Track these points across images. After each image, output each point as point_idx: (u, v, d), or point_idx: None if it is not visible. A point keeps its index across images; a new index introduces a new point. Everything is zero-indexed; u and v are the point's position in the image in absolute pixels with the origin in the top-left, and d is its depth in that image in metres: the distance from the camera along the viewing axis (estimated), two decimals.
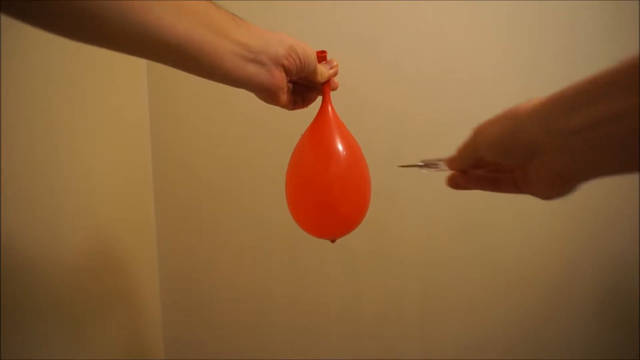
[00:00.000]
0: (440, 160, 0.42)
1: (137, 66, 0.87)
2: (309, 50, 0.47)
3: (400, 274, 0.95)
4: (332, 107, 0.54)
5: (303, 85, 0.54)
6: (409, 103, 0.92)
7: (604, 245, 0.96)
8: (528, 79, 0.92)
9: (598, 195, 0.94)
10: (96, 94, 0.70)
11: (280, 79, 0.45)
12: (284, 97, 0.48)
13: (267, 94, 0.46)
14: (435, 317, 0.97)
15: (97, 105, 0.70)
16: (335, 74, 0.54)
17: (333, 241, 0.56)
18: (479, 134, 0.35)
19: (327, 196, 0.50)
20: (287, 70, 0.45)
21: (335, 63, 0.54)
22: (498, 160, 0.34)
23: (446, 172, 0.42)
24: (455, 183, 0.41)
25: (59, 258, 0.59)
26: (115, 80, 0.78)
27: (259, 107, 0.90)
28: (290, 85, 0.51)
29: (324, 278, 0.95)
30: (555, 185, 0.30)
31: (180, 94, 0.90)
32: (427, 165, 0.44)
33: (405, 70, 0.91)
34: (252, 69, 0.42)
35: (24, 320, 0.52)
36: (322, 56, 0.52)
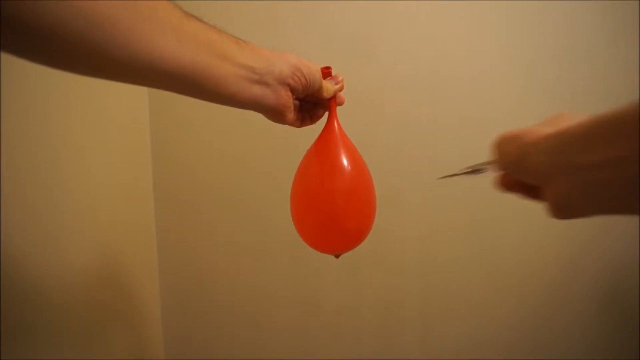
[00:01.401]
0: (488, 163, 0.40)
1: None
2: (314, 68, 0.47)
3: (401, 275, 0.95)
4: (338, 123, 0.54)
5: (310, 102, 0.54)
6: (409, 104, 0.92)
7: (604, 246, 0.96)
8: (527, 80, 0.92)
9: None
10: (96, 96, 0.70)
11: (286, 99, 0.45)
12: (291, 115, 0.48)
13: (274, 113, 0.46)
14: (436, 318, 0.97)
15: (97, 107, 0.70)
16: (340, 89, 0.54)
17: (337, 257, 0.56)
18: (497, 147, 0.35)
19: (332, 211, 0.50)
20: (292, 89, 0.46)
21: (340, 78, 0.54)
22: (515, 177, 0.34)
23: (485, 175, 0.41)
24: (503, 185, 0.39)
25: (59, 259, 0.59)
26: (115, 82, 0.77)
27: None
28: (297, 103, 0.51)
29: (324, 279, 0.95)
30: (561, 209, 0.30)
31: (181, 97, 0.90)
32: (474, 171, 0.43)
33: (404, 71, 0.91)
34: (257, 91, 0.42)
35: (23, 320, 0.52)
36: (326, 72, 0.52)
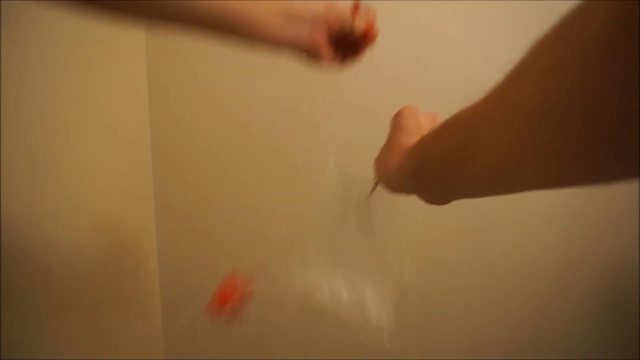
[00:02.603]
0: (376, 182, 0.49)
1: (137, 68, 0.87)
2: (345, 9, 0.47)
3: (400, 275, 0.95)
4: None
5: (350, 42, 0.53)
6: (408, 103, 0.91)
7: (604, 246, 0.96)
8: None
9: (598, 197, 0.94)
10: (96, 96, 0.70)
11: (321, 37, 0.45)
12: (327, 55, 0.48)
13: (310, 54, 0.46)
14: (435, 319, 0.97)
15: (97, 107, 0.70)
16: (370, 26, 0.52)
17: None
18: (374, 168, 0.46)
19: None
20: (326, 30, 0.46)
21: (371, 13, 0.52)
22: None
23: None
24: None
25: (59, 260, 0.59)
26: (115, 82, 0.78)
27: (260, 109, 0.91)
28: (332, 44, 0.50)
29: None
30: (435, 204, 0.38)
31: (181, 96, 0.90)
32: (375, 186, 0.51)
33: (404, 71, 0.91)
34: (291, 31, 0.42)
35: (23, 320, 0.52)
36: (356, 7, 0.51)
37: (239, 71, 0.88)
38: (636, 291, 0.96)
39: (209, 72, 0.88)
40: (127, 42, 0.83)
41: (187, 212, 0.93)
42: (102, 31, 0.71)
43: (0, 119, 0.47)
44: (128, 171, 0.83)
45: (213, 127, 0.91)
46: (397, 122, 0.44)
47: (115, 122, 0.77)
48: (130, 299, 0.82)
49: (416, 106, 0.44)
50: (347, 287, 0.97)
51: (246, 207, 0.93)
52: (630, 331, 0.97)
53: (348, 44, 0.53)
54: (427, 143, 0.33)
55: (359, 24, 0.50)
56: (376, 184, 0.45)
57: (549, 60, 0.19)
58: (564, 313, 0.97)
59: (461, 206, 0.97)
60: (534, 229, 0.95)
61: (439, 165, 0.30)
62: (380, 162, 0.42)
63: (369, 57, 0.90)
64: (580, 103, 0.16)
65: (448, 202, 0.35)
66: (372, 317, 0.97)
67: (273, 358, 0.96)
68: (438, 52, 0.91)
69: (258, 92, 0.88)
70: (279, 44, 0.42)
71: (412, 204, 0.98)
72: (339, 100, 0.90)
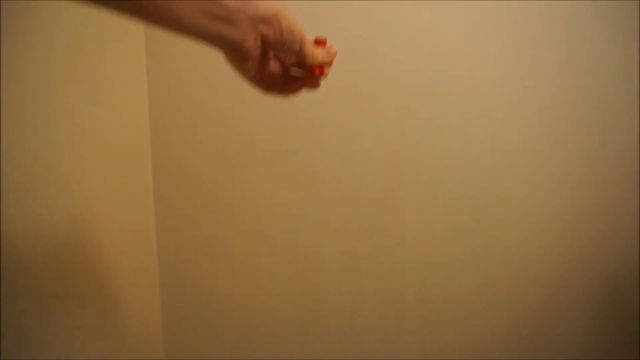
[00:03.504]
0: None
1: (137, 67, 0.87)
2: (296, 27, 0.42)
3: (400, 276, 0.96)
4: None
5: (291, 71, 0.48)
6: (409, 103, 0.92)
7: (604, 246, 0.96)
8: (528, 79, 0.92)
9: (598, 196, 0.94)
10: (95, 95, 0.70)
11: (253, 44, 0.39)
12: (252, 68, 0.42)
13: (236, 55, 0.40)
14: (435, 319, 0.97)
15: (96, 106, 0.70)
16: (329, 61, 0.47)
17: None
18: None
19: None
20: (264, 39, 0.40)
21: (333, 50, 0.47)
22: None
23: None
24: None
25: (59, 260, 0.59)
26: (115, 80, 0.78)
27: (261, 110, 0.91)
28: (277, 67, 0.46)
29: (323, 280, 0.95)
30: None
31: (181, 95, 0.90)
32: None
33: (404, 71, 0.91)
34: (222, 27, 0.37)
35: (22, 320, 0.52)
36: (321, 42, 0.47)
37: None
38: (636, 291, 0.96)
39: (210, 70, 0.88)
40: (127, 41, 0.83)
41: (187, 211, 0.93)
42: (102, 31, 0.71)
43: (0, 119, 0.47)
44: (128, 170, 0.83)
45: (213, 124, 0.91)
46: None
47: (115, 121, 0.77)
48: (130, 299, 0.82)
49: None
50: (347, 287, 0.97)
51: (247, 207, 0.93)
52: (630, 331, 0.97)
53: (289, 75, 0.48)
54: None
55: (316, 52, 0.45)
56: None
57: None
58: (563, 313, 0.97)
59: (461, 205, 0.98)
60: (533, 229, 0.95)
61: None
62: None
63: (369, 58, 0.91)
64: None
65: None
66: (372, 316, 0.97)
67: (273, 358, 0.96)
68: (437, 54, 0.91)
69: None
70: (203, 36, 0.37)
71: (412, 202, 0.99)
72: (339, 99, 0.90)
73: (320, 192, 0.93)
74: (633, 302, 0.96)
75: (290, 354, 0.97)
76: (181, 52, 0.89)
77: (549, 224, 0.95)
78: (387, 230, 0.94)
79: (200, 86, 0.89)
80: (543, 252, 0.96)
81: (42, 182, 0.55)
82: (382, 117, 0.92)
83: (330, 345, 0.97)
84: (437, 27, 0.90)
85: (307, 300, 0.96)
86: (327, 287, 0.95)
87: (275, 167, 0.91)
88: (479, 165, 0.93)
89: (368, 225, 0.93)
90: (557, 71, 0.92)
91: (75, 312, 0.63)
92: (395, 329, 0.97)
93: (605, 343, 0.98)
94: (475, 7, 0.90)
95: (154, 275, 0.93)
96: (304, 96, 0.93)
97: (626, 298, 0.97)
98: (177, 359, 0.96)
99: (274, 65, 0.47)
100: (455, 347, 0.98)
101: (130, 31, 0.83)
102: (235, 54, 0.40)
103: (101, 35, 0.70)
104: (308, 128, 0.91)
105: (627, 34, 0.91)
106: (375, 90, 0.91)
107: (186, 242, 0.94)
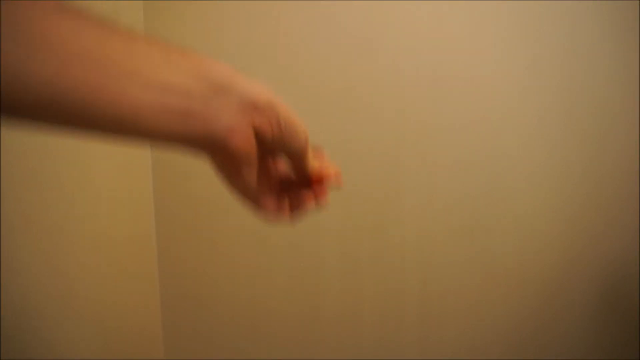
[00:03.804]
0: None
1: None
2: (298, 121, 0.31)
3: (400, 276, 0.95)
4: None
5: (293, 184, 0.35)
6: (409, 104, 0.92)
7: (604, 245, 0.96)
8: (528, 79, 0.92)
9: (598, 196, 0.94)
10: None
11: (247, 138, 0.28)
12: (251, 175, 0.30)
13: (225, 161, 0.29)
14: (435, 319, 0.97)
15: None
16: (336, 179, 0.35)
17: None
18: None
19: None
20: (258, 132, 0.28)
21: (334, 167, 0.36)
22: None
23: None
24: None
25: (59, 261, 0.59)
26: None
27: None
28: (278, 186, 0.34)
29: (323, 281, 0.95)
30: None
31: None
32: None
33: (404, 71, 0.91)
34: (194, 125, 0.26)
35: (23, 320, 0.52)
36: (320, 152, 0.37)
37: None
38: (636, 291, 0.96)
39: None
40: None
41: (187, 212, 0.93)
42: None
43: None
44: (128, 172, 0.82)
45: None
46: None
47: None
48: (130, 298, 0.82)
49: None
50: (347, 287, 0.97)
51: (248, 214, 0.93)
52: (630, 331, 0.97)
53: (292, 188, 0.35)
54: None
55: (314, 162, 0.34)
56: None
57: None
58: (563, 312, 0.97)
59: (461, 205, 0.98)
60: (533, 229, 0.95)
61: None
62: None
63: (369, 58, 0.91)
64: None
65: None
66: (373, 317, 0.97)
67: (273, 358, 0.96)
68: (437, 54, 0.91)
69: None
70: (175, 140, 0.27)
71: (412, 203, 0.99)
72: (339, 100, 0.90)
73: None
74: (633, 302, 0.96)
75: (290, 354, 0.97)
76: None
77: (549, 224, 0.95)
78: (387, 230, 0.94)
79: None
80: (543, 253, 0.96)
81: (44, 184, 0.55)
82: (382, 118, 0.92)
83: (330, 346, 0.97)
84: (437, 28, 0.90)
85: (307, 300, 0.96)
86: (327, 288, 0.95)
87: None
88: (479, 166, 0.93)
89: (368, 226, 0.93)
90: (557, 71, 0.91)
91: (75, 312, 0.63)
92: (395, 329, 0.97)
93: (605, 343, 0.98)
94: (475, 7, 0.90)
95: (154, 275, 0.93)
96: (304, 97, 0.93)
97: (626, 298, 0.97)
98: (177, 359, 0.96)
99: (278, 169, 0.35)
100: (455, 347, 0.98)
101: None
102: (222, 156, 0.28)
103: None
104: (307, 129, 0.91)
105: (627, 34, 0.91)
106: (375, 91, 0.91)
107: (186, 242, 0.94)
